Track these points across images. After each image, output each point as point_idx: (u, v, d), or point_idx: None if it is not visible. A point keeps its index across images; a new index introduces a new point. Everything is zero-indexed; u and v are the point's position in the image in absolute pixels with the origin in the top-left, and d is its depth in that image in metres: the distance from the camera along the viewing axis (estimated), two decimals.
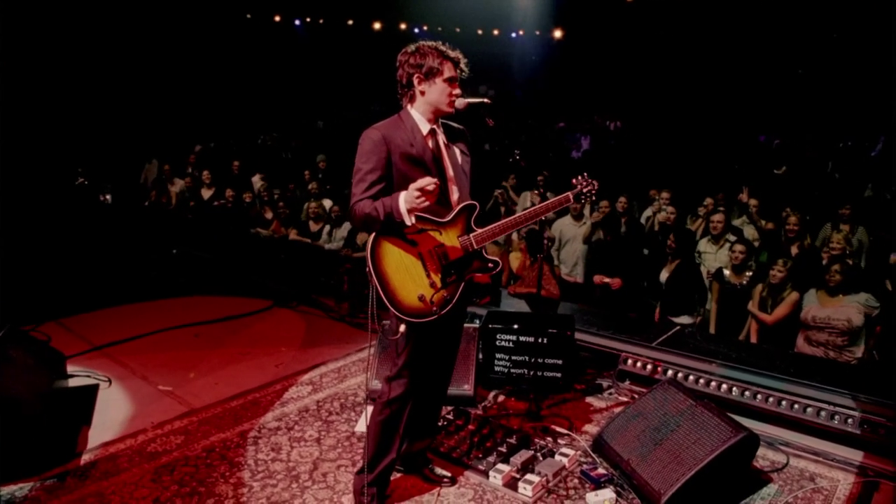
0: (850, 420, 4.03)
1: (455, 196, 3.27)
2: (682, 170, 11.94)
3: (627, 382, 4.88)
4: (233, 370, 5.11)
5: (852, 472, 3.83)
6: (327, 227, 8.37)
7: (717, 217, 7.07)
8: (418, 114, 3.22)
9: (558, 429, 4.23)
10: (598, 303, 7.00)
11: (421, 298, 3.08)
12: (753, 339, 6.17)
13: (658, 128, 16.43)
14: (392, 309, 3.07)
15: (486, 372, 4.80)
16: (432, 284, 3.11)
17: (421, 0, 17.01)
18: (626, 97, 19.16)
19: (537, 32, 19.66)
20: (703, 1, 15.65)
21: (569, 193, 3.42)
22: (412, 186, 3.01)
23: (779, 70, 17.47)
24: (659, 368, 4.72)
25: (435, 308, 3.11)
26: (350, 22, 19.79)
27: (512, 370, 4.78)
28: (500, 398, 4.68)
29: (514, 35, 20.61)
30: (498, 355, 4.80)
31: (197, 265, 7.24)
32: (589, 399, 4.71)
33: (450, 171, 3.27)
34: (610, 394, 4.78)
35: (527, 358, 4.75)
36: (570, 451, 3.87)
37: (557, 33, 19.26)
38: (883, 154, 13.71)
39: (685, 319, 6.59)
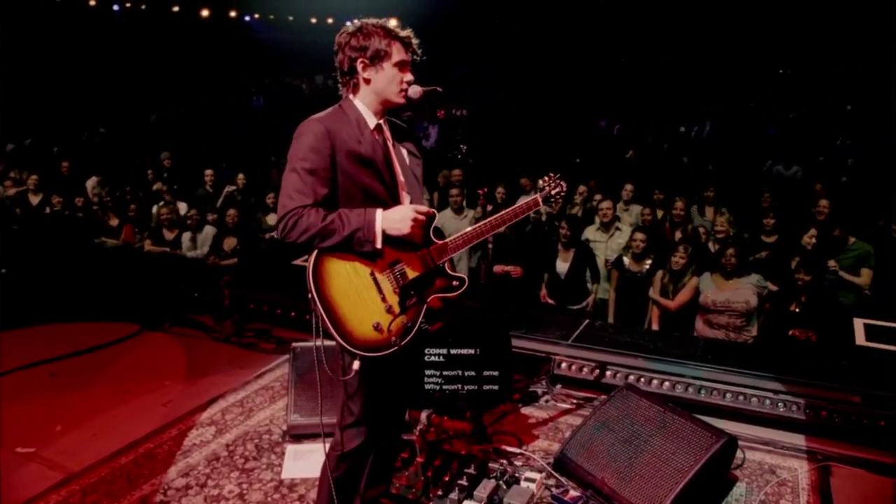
0: (795, 407, 4.04)
1: (406, 203, 2.76)
2: (533, 157, 12.10)
3: (559, 387, 4.64)
4: (111, 416, 4.24)
5: (804, 458, 3.84)
6: (188, 234, 7.42)
7: (606, 205, 7.07)
8: (363, 105, 2.69)
9: (510, 448, 3.87)
10: (490, 295, 6.74)
11: (377, 327, 2.56)
12: (655, 326, 6.22)
13: (503, 114, 16.71)
14: (342, 342, 2.51)
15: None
16: (389, 309, 2.60)
17: None
18: (471, 86, 19.35)
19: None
20: None
21: (537, 197, 3.02)
22: (412, 208, 2.57)
23: (609, 57, 18.41)
24: (596, 371, 4.52)
25: (394, 338, 2.60)
26: (175, 8, 18.17)
27: (444, 386, 4.35)
28: (435, 418, 4.24)
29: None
30: (428, 372, 4.34)
31: (35, 286, 6.06)
32: (527, 410, 4.41)
33: (400, 176, 2.78)
34: (546, 401, 4.51)
35: (460, 372, 4.34)
36: (535, 475, 3.52)
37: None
38: (710, 136, 14.80)
39: (583, 306, 6.56)
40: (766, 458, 3.84)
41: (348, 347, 2.53)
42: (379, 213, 2.54)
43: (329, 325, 2.49)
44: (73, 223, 7.64)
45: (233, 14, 19.84)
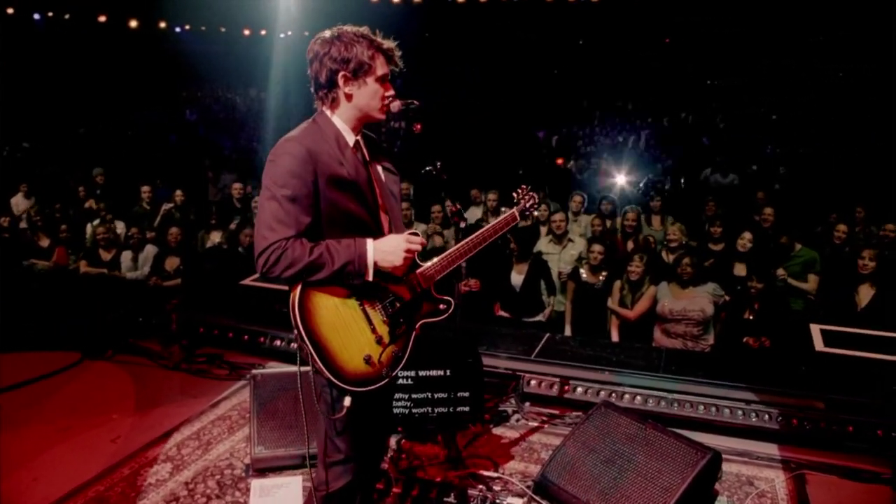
0: (767, 416, 4.07)
1: (386, 225, 2.62)
2: (476, 168, 12.13)
3: (528, 404, 4.55)
4: (54, 456, 3.90)
5: (779, 467, 3.85)
6: (128, 254, 7.04)
7: (559, 216, 7.08)
8: (341, 121, 2.51)
9: (487, 473, 3.74)
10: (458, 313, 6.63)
11: (368, 360, 2.41)
12: (615, 336, 6.23)
13: (445, 124, 16.72)
14: (333, 378, 2.34)
15: None
16: (379, 340, 2.45)
17: None
18: (411, 97, 19.27)
19: (306, 33, 18.97)
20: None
21: (514, 211, 2.92)
22: (404, 238, 2.43)
23: (544, 67, 18.65)
24: (567, 387, 4.46)
25: (385, 370, 2.46)
26: (102, 18, 17.42)
27: (413, 410, 4.20)
28: (404, 444, 4.09)
29: (282, 36, 19.72)
30: (397, 395, 4.18)
31: None
32: (499, 430, 4.29)
33: (379, 196, 2.63)
34: (518, 420, 4.41)
35: (430, 394, 4.20)
36: (516, 501, 3.42)
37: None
38: (647, 147, 15.12)
39: (538, 318, 6.52)
40: (743, 469, 3.84)
41: (339, 384, 2.36)
42: (370, 245, 2.39)
43: (319, 363, 2.32)
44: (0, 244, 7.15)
45: (162, 25, 19.17)
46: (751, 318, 5.74)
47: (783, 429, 4.04)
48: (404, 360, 2.55)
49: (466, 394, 4.22)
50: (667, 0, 14.83)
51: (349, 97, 2.47)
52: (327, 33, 2.50)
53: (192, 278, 6.77)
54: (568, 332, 6.54)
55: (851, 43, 15.14)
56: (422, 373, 4.19)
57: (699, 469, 3.16)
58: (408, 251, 2.43)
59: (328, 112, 2.52)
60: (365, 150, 2.59)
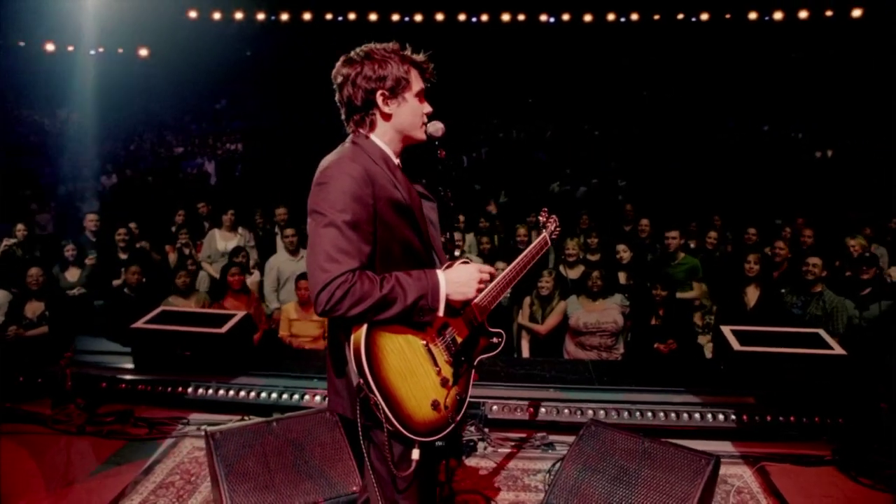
0: (721, 416, 4.34)
1: (434, 255, 2.46)
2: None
3: (488, 430, 4.48)
4: None
5: (741, 463, 4.11)
6: None
7: (456, 236, 7.09)
8: (383, 143, 2.33)
9: None
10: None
11: (435, 406, 2.23)
12: (525, 353, 6.36)
13: (277, 143, 16.32)
14: (402, 430, 2.14)
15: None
16: (444, 382, 2.28)
17: None
18: (236, 118, 18.64)
19: (120, 50, 17.58)
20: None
21: (545, 235, 2.89)
22: (476, 268, 2.30)
23: None
24: (531, 409, 4.45)
25: (450, 415, 2.29)
26: None
27: None
28: None
29: (93, 53, 18.13)
30: None
31: None
32: (472, 461, 4.17)
33: (428, 224, 2.48)
34: (485, 448, 4.31)
35: None
36: None
37: (143, 52, 17.56)
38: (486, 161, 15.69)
39: None
40: None
41: (409, 435, 2.16)
42: (441, 276, 2.21)
43: (388, 413, 2.10)
44: None
45: None
46: (657, 324, 6.12)
47: (739, 426, 4.32)
48: (466, 402, 2.40)
49: None
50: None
51: (388, 117, 2.30)
52: (354, 54, 2.31)
53: (58, 324, 5.95)
54: None
55: (661, 67, 16.87)
56: None
57: (708, 475, 3.28)
58: (480, 281, 2.29)
59: (364, 133, 2.33)
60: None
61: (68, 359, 4.81)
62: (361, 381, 2.09)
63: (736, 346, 4.90)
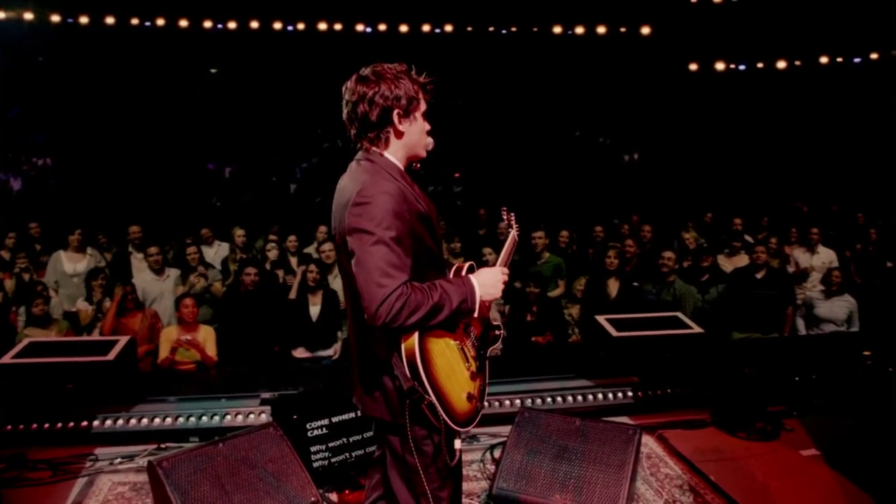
0: (621, 394, 4.88)
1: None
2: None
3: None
4: None
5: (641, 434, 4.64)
6: None
7: (328, 246, 7.20)
8: (395, 160, 2.46)
9: None
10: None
11: (470, 398, 2.42)
12: None
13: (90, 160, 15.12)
14: (451, 424, 2.32)
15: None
16: (473, 375, 2.47)
17: None
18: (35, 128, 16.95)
19: None
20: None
21: (514, 233, 3.09)
22: (500, 270, 2.48)
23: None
24: None
25: (479, 404, 2.50)
26: None
27: (333, 460, 4.00)
28: (335, 497, 3.89)
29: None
30: (314, 448, 3.94)
31: None
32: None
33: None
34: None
35: (345, 440, 4.05)
36: None
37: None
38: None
39: (328, 352, 6.63)
40: None
41: (456, 428, 2.34)
42: (474, 279, 2.39)
43: (441, 412, 2.27)
44: None
45: None
46: (532, 319, 6.64)
47: (635, 401, 4.89)
48: (487, 388, 2.61)
49: None
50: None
51: (401, 135, 2.43)
52: (367, 72, 2.43)
53: None
54: None
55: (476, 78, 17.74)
56: (335, 419, 4.02)
57: (637, 443, 3.74)
58: (504, 283, 2.49)
59: (378, 151, 2.44)
60: None
61: None
62: (416, 384, 2.22)
63: (614, 332, 5.48)
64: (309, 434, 3.94)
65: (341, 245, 2.41)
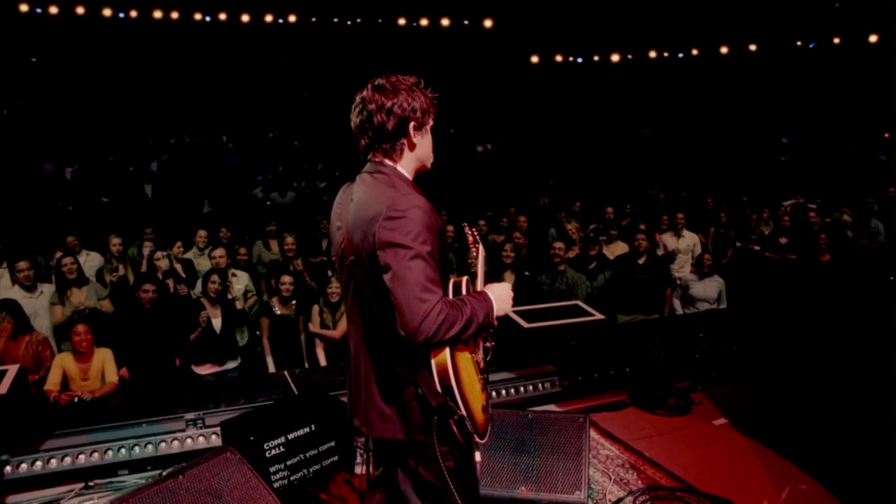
0: (548, 384, 5.15)
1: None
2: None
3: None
4: None
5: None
6: None
7: (219, 252, 6.99)
8: (406, 172, 2.48)
9: None
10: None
11: (484, 409, 2.51)
12: (322, 360, 6.55)
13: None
14: (477, 437, 2.41)
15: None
16: (483, 387, 2.57)
17: None
18: None
19: None
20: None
21: (481, 247, 3.20)
22: (507, 286, 2.57)
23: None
24: None
25: (489, 415, 2.60)
26: None
27: (291, 478, 3.90)
28: None
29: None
30: (272, 468, 3.82)
31: None
32: (359, 469, 4.31)
33: None
34: (362, 454, 4.47)
35: (302, 456, 3.96)
36: None
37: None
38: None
39: (234, 364, 6.48)
40: None
41: (479, 440, 2.43)
42: (490, 294, 2.45)
43: (469, 426, 2.34)
44: None
45: None
46: None
47: (559, 389, 5.17)
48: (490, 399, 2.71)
49: (333, 443, 4.12)
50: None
51: (413, 147, 2.44)
52: (382, 82, 2.41)
53: None
54: (271, 366, 6.62)
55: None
56: (290, 435, 3.93)
57: (587, 429, 4.00)
58: (513, 298, 2.59)
59: (391, 163, 2.44)
60: None
61: None
62: (448, 399, 2.26)
63: (525, 324, 5.74)
64: (267, 454, 3.82)
65: (356, 261, 2.38)
